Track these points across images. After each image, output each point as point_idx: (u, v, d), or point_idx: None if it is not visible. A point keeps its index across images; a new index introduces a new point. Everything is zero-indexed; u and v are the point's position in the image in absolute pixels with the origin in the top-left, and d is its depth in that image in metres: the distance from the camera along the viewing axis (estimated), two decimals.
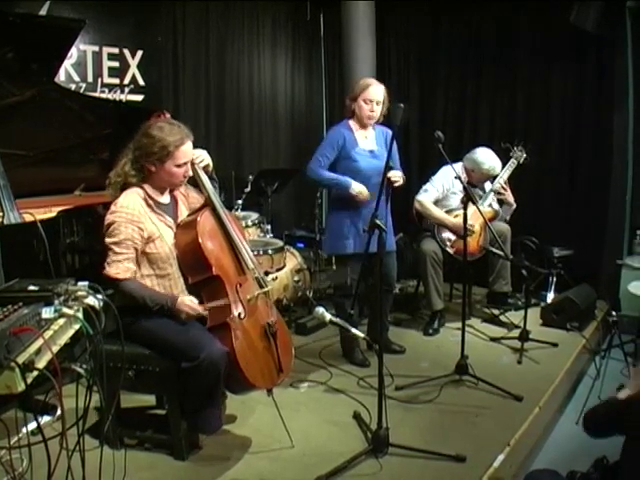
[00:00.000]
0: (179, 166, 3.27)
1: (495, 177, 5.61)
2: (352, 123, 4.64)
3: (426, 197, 5.57)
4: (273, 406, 3.54)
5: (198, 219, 3.31)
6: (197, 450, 3.46)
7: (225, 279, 3.30)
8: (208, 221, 3.38)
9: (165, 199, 3.42)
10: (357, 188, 4.44)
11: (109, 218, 3.20)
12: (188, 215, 3.47)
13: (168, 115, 3.52)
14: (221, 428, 3.43)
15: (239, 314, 3.30)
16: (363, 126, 4.62)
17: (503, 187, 5.63)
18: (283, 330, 3.63)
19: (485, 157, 5.53)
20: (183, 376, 3.18)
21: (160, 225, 3.31)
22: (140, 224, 3.22)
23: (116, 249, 3.17)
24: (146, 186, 3.32)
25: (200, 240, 3.24)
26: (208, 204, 3.47)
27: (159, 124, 3.28)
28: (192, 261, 3.29)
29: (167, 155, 3.21)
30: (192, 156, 3.36)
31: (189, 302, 3.21)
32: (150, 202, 3.30)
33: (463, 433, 3.73)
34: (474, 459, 3.39)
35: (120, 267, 3.16)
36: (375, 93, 4.50)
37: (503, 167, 5.64)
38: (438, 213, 5.54)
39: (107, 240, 3.19)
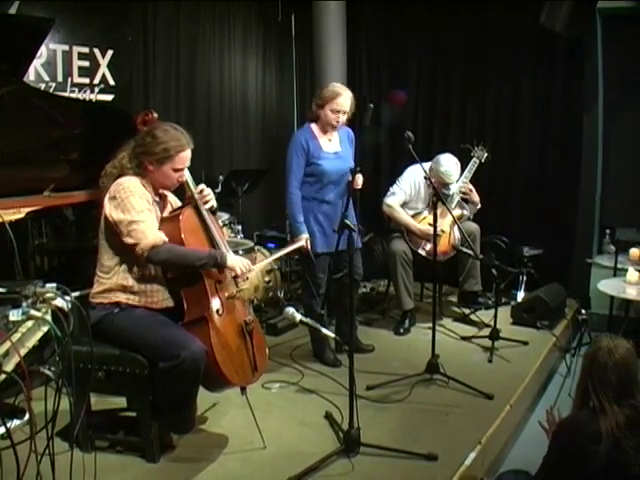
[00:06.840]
0: (175, 170, 3.31)
1: (448, 184, 5.55)
2: (314, 127, 4.60)
3: (393, 200, 5.61)
4: (245, 407, 3.54)
5: (181, 215, 3.34)
6: (169, 451, 3.43)
7: (204, 275, 3.31)
8: (191, 217, 3.41)
9: (155, 197, 3.43)
10: (299, 240, 4.47)
11: (120, 196, 3.16)
12: (170, 212, 3.50)
13: (155, 115, 3.52)
14: (194, 428, 3.44)
15: (217, 310, 3.32)
16: (326, 131, 4.61)
17: (468, 188, 5.66)
18: (258, 330, 3.63)
19: (445, 161, 5.47)
20: (160, 376, 3.15)
21: (153, 213, 3.31)
22: (147, 195, 3.26)
23: (142, 217, 3.13)
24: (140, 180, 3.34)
25: (183, 235, 3.26)
26: (191, 202, 3.49)
27: (164, 127, 3.33)
28: None
29: (167, 158, 3.26)
30: (188, 163, 3.38)
31: (240, 258, 3.43)
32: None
33: (434, 432, 3.75)
34: (445, 458, 3.41)
35: (156, 232, 3.13)
36: (343, 104, 4.44)
37: (464, 169, 5.68)
38: (405, 218, 5.57)
39: (127, 217, 3.11)
